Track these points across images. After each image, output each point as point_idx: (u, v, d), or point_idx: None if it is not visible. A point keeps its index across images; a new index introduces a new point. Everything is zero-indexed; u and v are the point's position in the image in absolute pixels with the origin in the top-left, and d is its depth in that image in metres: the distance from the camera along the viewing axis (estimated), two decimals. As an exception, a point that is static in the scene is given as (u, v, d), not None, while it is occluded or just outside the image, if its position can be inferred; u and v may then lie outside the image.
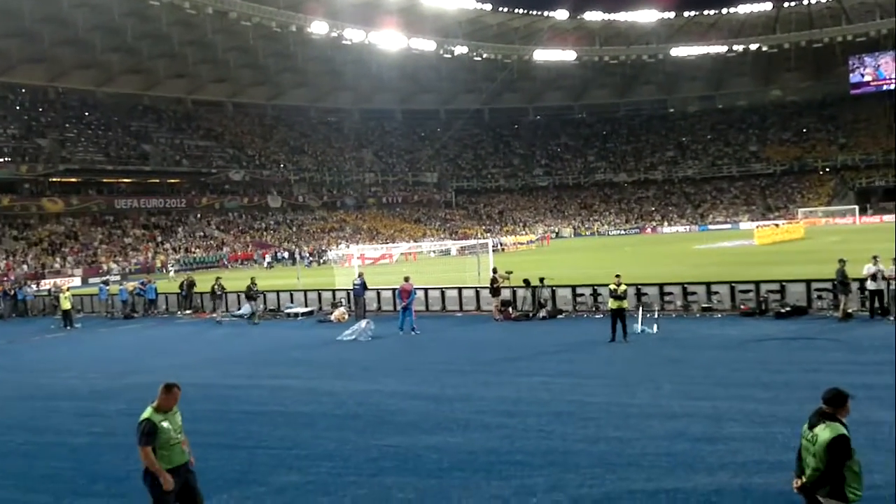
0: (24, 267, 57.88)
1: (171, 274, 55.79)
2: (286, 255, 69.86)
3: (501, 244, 69.86)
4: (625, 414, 11.54)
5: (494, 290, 24.27)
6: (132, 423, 12.66)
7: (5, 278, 50.64)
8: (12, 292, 37.19)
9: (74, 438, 12.09)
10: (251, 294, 27.58)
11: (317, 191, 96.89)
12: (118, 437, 11.91)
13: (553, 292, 24.93)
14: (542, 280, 24.84)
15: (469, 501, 8.33)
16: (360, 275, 27.19)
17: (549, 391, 13.49)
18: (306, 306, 29.16)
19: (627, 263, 39.54)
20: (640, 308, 21.34)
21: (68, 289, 34.55)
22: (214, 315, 29.10)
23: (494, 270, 25.39)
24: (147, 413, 7.14)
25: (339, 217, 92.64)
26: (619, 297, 18.29)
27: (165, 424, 7.10)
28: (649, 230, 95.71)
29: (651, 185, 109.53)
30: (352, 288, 26.97)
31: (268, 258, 67.68)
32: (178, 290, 33.00)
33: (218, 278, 30.05)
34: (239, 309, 30.34)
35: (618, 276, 18.74)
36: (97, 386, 16.53)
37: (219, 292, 29.22)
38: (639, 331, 19.36)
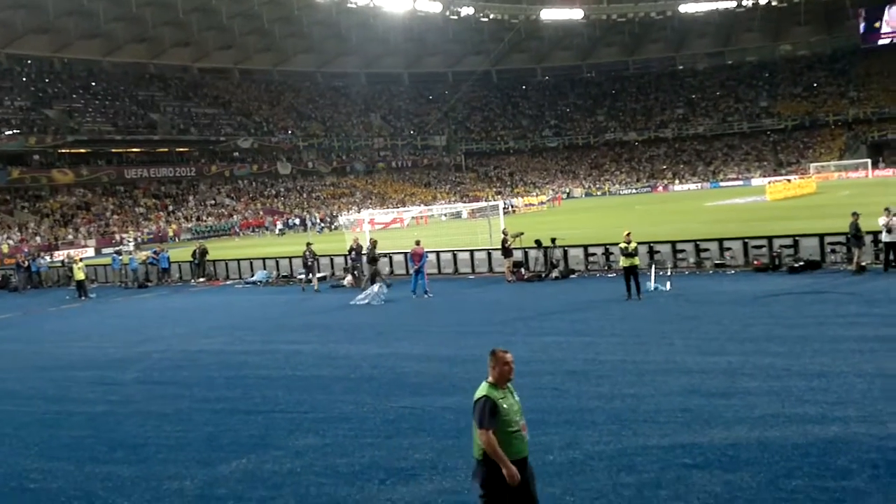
0: (38, 239, 58.20)
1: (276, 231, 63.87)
2: (297, 221, 69.93)
3: (512, 206, 69.69)
4: (639, 371, 11.54)
5: (506, 251, 24.22)
6: (148, 391, 12.90)
7: (19, 250, 50.91)
8: (26, 264, 37.38)
9: (93, 407, 12.19)
10: (374, 256, 24.83)
11: (326, 156, 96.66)
12: (136, 405, 12.05)
13: (565, 252, 24.87)
14: (553, 241, 24.76)
15: (486, 460, 8.35)
16: (356, 240, 26.64)
17: (562, 350, 13.50)
18: (319, 272, 29.18)
19: (639, 222, 39.40)
20: (653, 266, 21.24)
21: (81, 259, 34.73)
22: (311, 284, 26.28)
23: (504, 232, 25.30)
24: (483, 389, 5.92)
25: (349, 182, 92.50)
26: (630, 255, 18.24)
27: (506, 404, 5.86)
28: (661, 188, 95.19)
29: (661, 144, 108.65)
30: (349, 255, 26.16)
31: (279, 225, 67.79)
32: (191, 259, 33.12)
33: (309, 244, 27.21)
34: (253, 275, 30.54)
35: (628, 233, 18.68)
36: (113, 355, 16.66)
37: (310, 260, 26.48)
38: (652, 288, 19.31)
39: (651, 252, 22.86)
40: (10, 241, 56.38)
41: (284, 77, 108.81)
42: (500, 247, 24.80)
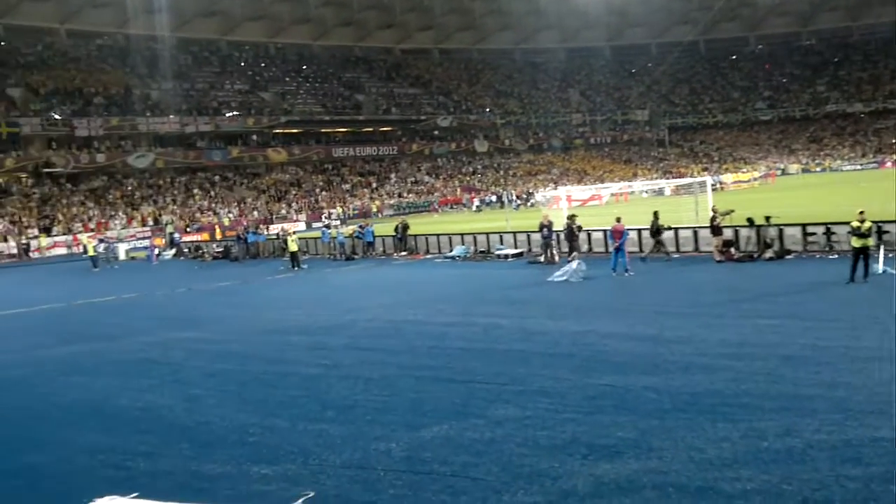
0: (255, 213, 62.71)
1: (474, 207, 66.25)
2: (494, 198, 70.62)
3: (720, 183, 66.48)
4: (867, 358, 10.54)
5: (715, 230, 23.02)
6: (356, 357, 13.42)
7: (239, 223, 55.05)
8: (244, 236, 40.26)
9: (306, 369, 12.87)
10: (658, 228, 24.03)
11: (523, 134, 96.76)
12: (345, 369, 12.57)
13: (780, 231, 23.26)
14: (767, 218, 23.19)
15: (695, 443, 7.95)
16: (546, 216, 26.26)
17: (777, 334, 12.62)
18: (516, 248, 29.26)
19: (864, 200, 36.15)
20: (882, 247, 19.38)
21: (294, 232, 36.92)
22: (562, 261, 24.36)
23: (714, 209, 24.05)
24: None
25: (545, 159, 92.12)
26: (863, 235, 16.71)
27: None
28: (889, 164, 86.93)
29: (891, 115, 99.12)
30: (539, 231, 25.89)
31: (476, 202, 68.79)
32: (394, 233, 34.29)
33: (574, 216, 25.64)
34: (451, 250, 31.15)
35: (861, 212, 17.05)
36: (324, 322, 17.52)
37: (577, 233, 24.90)
38: (880, 271, 17.63)
39: (879, 232, 20.80)
40: (231, 215, 61.14)
41: (483, 55, 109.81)
42: (708, 224, 23.64)
